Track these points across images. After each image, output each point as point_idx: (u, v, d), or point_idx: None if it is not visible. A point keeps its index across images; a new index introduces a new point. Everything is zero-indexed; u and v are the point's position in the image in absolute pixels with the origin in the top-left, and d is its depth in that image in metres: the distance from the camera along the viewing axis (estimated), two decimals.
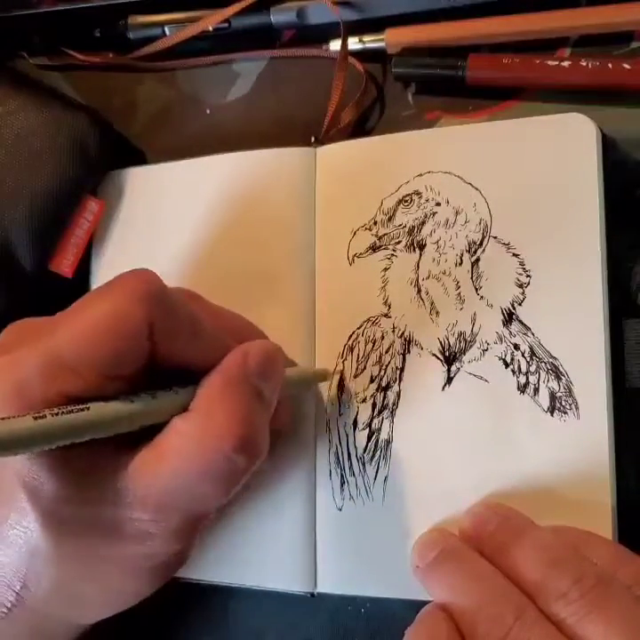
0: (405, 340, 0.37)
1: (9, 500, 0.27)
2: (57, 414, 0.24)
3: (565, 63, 0.38)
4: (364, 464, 0.37)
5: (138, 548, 0.28)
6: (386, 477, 0.37)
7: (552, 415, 0.34)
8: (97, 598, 0.29)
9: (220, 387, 0.29)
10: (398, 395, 0.37)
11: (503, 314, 0.36)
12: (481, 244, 0.37)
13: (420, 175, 0.38)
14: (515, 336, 0.36)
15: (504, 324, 0.36)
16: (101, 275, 0.43)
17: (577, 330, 0.35)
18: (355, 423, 0.37)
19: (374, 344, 0.37)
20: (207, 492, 0.28)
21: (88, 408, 0.26)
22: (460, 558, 0.32)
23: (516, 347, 0.35)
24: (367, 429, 0.37)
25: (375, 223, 0.38)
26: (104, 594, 0.29)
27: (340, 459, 0.37)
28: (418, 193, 0.38)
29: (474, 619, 0.29)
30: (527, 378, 0.35)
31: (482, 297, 0.36)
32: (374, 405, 0.37)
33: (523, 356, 0.35)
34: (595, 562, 0.30)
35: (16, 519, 0.27)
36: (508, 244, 0.36)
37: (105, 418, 0.26)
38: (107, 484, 0.27)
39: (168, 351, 0.28)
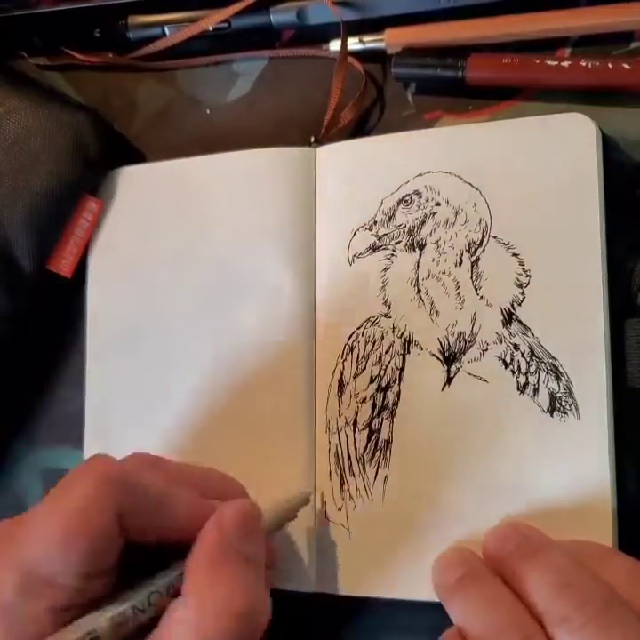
0: (405, 340, 0.37)
1: None
2: None
3: (565, 63, 0.38)
4: (363, 464, 0.37)
5: None
6: (386, 478, 0.37)
7: (552, 416, 0.34)
8: None
9: (207, 564, 0.28)
10: (398, 395, 0.37)
11: (503, 314, 0.36)
12: (481, 243, 0.37)
13: (420, 175, 0.38)
14: (514, 336, 0.35)
15: (504, 325, 0.36)
16: (99, 274, 0.43)
17: (577, 330, 0.34)
18: (354, 423, 0.37)
19: (374, 344, 0.37)
20: None
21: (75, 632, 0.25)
22: (481, 583, 0.31)
23: (516, 347, 0.35)
24: (367, 430, 0.37)
25: (375, 223, 0.38)
26: None
27: (340, 459, 0.37)
28: (418, 193, 0.38)
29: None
30: (527, 378, 0.35)
31: (481, 297, 0.36)
32: (374, 406, 0.37)
33: (522, 356, 0.35)
34: (609, 581, 0.29)
35: None
36: (508, 244, 0.36)
37: (96, 635, 0.26)
38: None
39: (140, 532, 0.28)
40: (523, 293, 0.36)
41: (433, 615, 0.37)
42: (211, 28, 0.43)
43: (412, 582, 0.36)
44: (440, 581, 0.33)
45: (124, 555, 0.28)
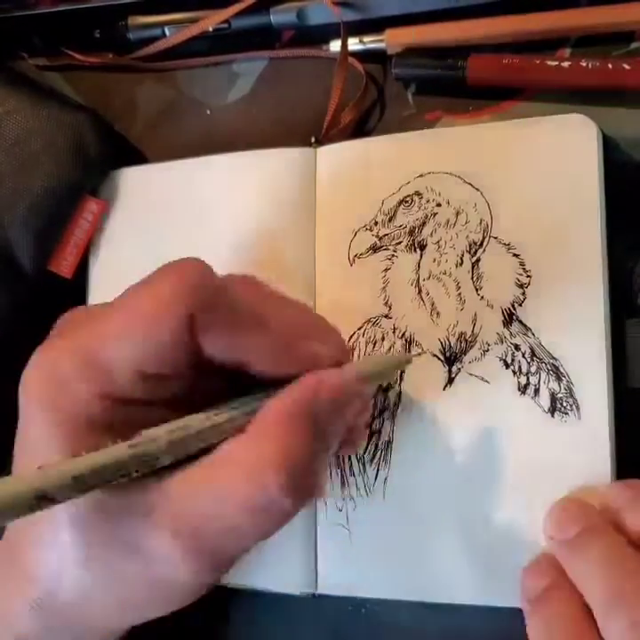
0: (406, 340, 0.37)
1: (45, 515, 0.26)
2: (97, 469, 0.23)
3: (565, 63, 0.38)
4: (364, 465, 0.37)
5: (159, 571, 0.26)
6: (386, 478, 0.37)
7: (553, 416, 0.34)
8: (114, 612, 0.28)
9: (280, 415, 0.26)
10: (399, 395, 0.37)
11: (504, 314, 0.36)
12: (481, 244, 0.37)
13: (421, 176, 0.38)
14: (515, 336, 0.35)
15: (504, 325, 0.36)
16: (100, 275, 0.43)
17: (578, 330, 0.35)
18: None
19: (375, 345, 0.37)
20: (244, 528, 0.25)
21: (134, 445, 0.24)
22: (604, 539, 0.31)
23: (517, 347, 0.35)
24: (368, 430, 0.37)
25: (376, 223, 0.38)
26: (131, 608, 0.28)
27: (341, 459, 0.37)
28: (419, 193, 0.38)
29: (611, 602, 0.29)
30: (528, 378, 0.35)
31: (482, 297, 0.36)
32: (375, 406, 0.37)
33: (523, 356, 0.35)
34: None
35: (49, 526, 0.26)
36: (509, 245, 0.36)
37: (155, 456, 0.24)
38: (139, 498, 0.25)
39: (220, 348, 0.26)
40: (523, 294, 0.36)
41: (433, 616, 0.37)
42: (211, 29, 0.43)
43: (413, 583, 0.36)
44: (555, 534, 0.32)
45: (200, 372, 0.27)
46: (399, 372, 0.36)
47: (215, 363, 0.27)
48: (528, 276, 0.36)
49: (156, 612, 0.28)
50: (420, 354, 0.36)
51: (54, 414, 0.25)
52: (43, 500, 0.22)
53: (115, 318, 0.26)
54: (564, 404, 0.34)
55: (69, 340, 0.26)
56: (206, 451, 0.26)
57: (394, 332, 0.37)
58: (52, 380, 0.26)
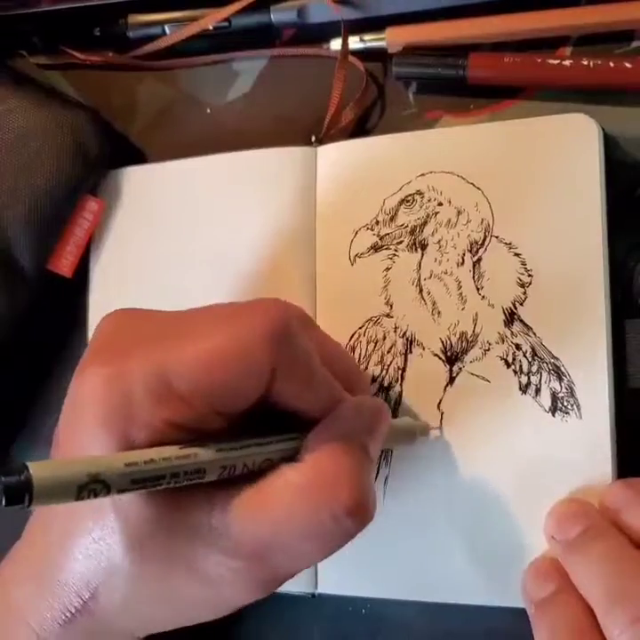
0: (407, 339, 0.37)
1: (96, 515, 0.26)
2: (151, 462, 0.23)
3: (566, 62, 0.38)
4: None
5: (212, 590, 0.26)
6: (386, 478, 0.37)
7: (554, 415, 0.34)
8: (162, 619, 0.29)
9: (334, 443, 0.27)
10: (400, 395, 0.37)
11: (505, 314, 0.36)
12: (483, 243, 0.36)
13: (423, 175, 0.38)
14: (516, 336, 0.35)
15: (506, 324, 0.36)
16: (100, 274, 0.43)
17: (579, 330, 0.34)
18: None
19: (376, 344, 0.37)
20: (306, 551, 0.26)
21: (192, 455, 0.25)
22: (606, 539, 0.31)
23: (518, 347, 0.35)
24: None
25: (377, 223, 0.38)
26: (171, 617, 0.28)
27: None
28: (420, 193, 0.38)
29: (612, 601, 0.29)
30: (529, 378, 0.35)
31: (483, 297, 0.36)
32: None
33: (524, 356, 0.35)
34: None
35: (100, 535, 0.26)
36: (510, 244, 0.36)
37: (202, 467, 0.25)
38: (200, 519, 0.25)
39: (278, 393, 0.27)
40: (525, 293, 0.36)
41: (434, 616, 0.37)
42: (211, 27, 0.43)
43: (413, 583, 0.36)
44: (555, 534, 0.33)
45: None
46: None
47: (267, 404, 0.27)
48: (529, 276, 0.36)
49: (197, 621, 0.29)
50: (438, 430, 0.36)
51: (115, 433, 0.25)
52: (96, 483, 0.22)
53: (197, 346, 0.25)
54: (565, 403, 0.34)
55: (143, 357, 0.25)
56: (250, 474, 0.26)
57: (395, 332, 0.37)
58: (119, 396, 0.25)
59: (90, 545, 0.26)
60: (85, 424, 0.26)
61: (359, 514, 0.26)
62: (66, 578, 0.27)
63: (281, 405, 0.27)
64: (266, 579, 0.27)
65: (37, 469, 0.21)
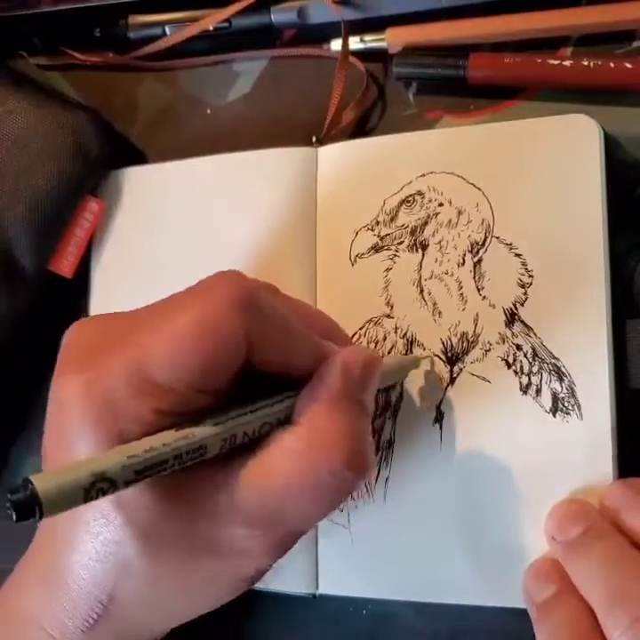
0: (408, 340, 0.37)
1: (100, 519, 0.26)
2: (151, 450, 0.24)
3: (567, 62, 0.38)
4: None
5: (232, 563, 0.27)
6: (387, 478, 0.37)
7: (554, 416, 0.34)
8: (182, 609, 0.29)
9: (325, 400, 0.27)
10: (400, 395, 0.37)
11: (505, 314, 0.36)
12: (483, 244, 0.36)
13: (423, 175, 0.38)
14: (517, 336, 0.35)
15: (506, 325, 0.36)
16: (101, 275, 0.43)
17: (579, 330, 0.34)
18: None
19: (377, 344, 0.37)
20: (312, 510, 0.27)
21: (189, 435, 0.25)
22: (607, 540, 0.31)
23: (519, 347, 0.35)
24: None
25: (377, 223, 0.38)
26: (190, 605, 0.29)
27: None
28: (420, 193, 0.38)
29: (612, 601, 0.29)
30: (529, 379, 0.35)
31: (484, 297, 0.36)
32: (376, 405, 0.37)
33: (525, 356, 0.35)
34: None
35: (109, 537, 0.26)
36: (511, 245, 0.36)
37: (203, 444, 0.25)
38: (204, 498, 0.26)
39: (259, 359, 0.27)
40: (525, 294, 0.36)
41: (434, 616, 0.37)
42: (211, 28, 0.43)
43: (414, 583, 0.36)
44: (556, 534, 0.33)
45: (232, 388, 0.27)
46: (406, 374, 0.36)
47: (250, 370, 0.27)
48: (530, 276, 0.36)
49: (216, 604, 0.29)
50: (428, 357, 0.36)
51: (105, 434, 0.25)
52: (102, 482, 0.22)
53: (168, 333, 0.25)
54: (566, 404, 0.34)
55: (118, 356, 0.26)
56: (249, 444, 0.27)
57: (395, 332, 0.37)
58: (101, 397, 0.25)
59: (100, 548, 0.26)
60: (74, 430, 0.26)
61: (358, 465, 0.26)
62: (81, 584, 0.27)
63: (267, 369, 0.27)
64: (280, 541, 0.27)
65: (40, 481, 0.21)
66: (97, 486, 0.22)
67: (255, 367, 0.27)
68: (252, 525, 0.26)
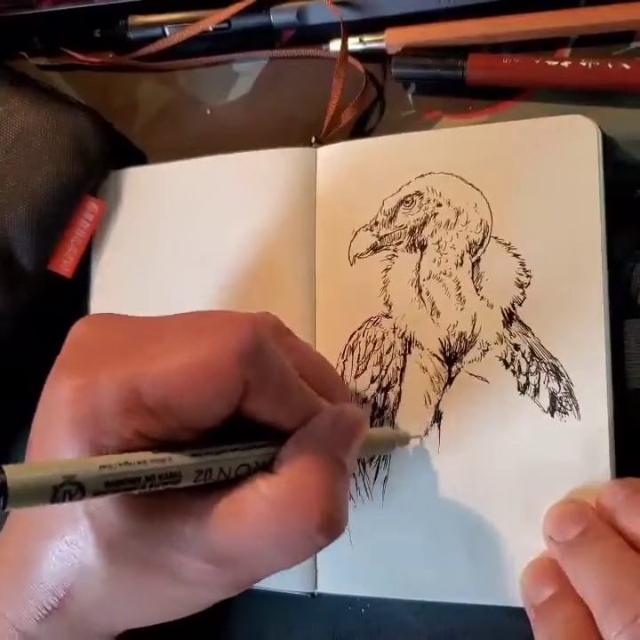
0: (406, 340, 0.37)
1: (69, 520, 0.26)
2: (126, 464, 0.24)
3: (565, 63, 0.38)
4: (363, 464, 0.37)
5: (188, 591, 0.27)
6: (386, 478, 0.37)
7: (552, 416, 0.35)
8: (136, 617, 0.29)
9: (308, 456, 0.27)
10: (399, 395, 0.37)
11: (503, 314, 0.36)
12: (482, 244, 0.37)
13: (422, 176, 0.38)
14: (515, 336, 0.36)
15: (504, 325, 0.36)
16: (101, 275, 0.43)
17: (577, 330, 0.35)
18: None
19: (375, 344, 0.37)
20: (276, 559, 0.27)
21: (166, 459, 0.25)
22: (605, 541, 0.31)
23: (517, 347, 0.35)
24: None
25: (376, 223, 0.38)
26: (144, 616, 0.29)
27: None
28: (419, 193, 0.38)
29: (609, 602, 0.29)
30: (527, 378, 0.35)
31: (482, 297, 0.36)
32: (375, 406, 0.37)
33: (523, 356, 0.35)
34: None
35: (74, 539, 0.26)
36: (509, 245, 0.36)
37: (177, 471, 0.25)
38: (170, 526, 0.26)
39: (252, 408, 0.27)
40: (523, 294, 0.36)
41: (433, 616, 0.37)
42: (211, 29, 0.43)
43: (413, 582, 0.36)
44: (554, 535, 0.33)
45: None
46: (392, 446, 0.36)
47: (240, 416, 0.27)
48: (528, 276, 0.36)
49: (170, 618, 0.29)
50: (418, 439, 0.36)
51: (85, 443, 0.25)
52: (70, 485, 0.22)
53: (167, 364, 0.25)
54: (564, 403, 0.34)
55: (114, 368, 0.26)
56: (226, 483, 0.27)
57: (394, 332, 0.37)
58: (88, 407, 0.25)
59: (63, 547, 0.27)
60: (56, 433, 0.26)
61: (330, 530, 0.26)
62: (41, 576, 0.27)
63: (257, 417, 0.27)
64: (238, 581, 0.28)
65: (13, 471, 0.21)
66: (65, 488, 0.22)
67: (245, 413, 0.27)
68: (212, 562, 0.26)
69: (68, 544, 0.26)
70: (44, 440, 0.27)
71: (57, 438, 0.26)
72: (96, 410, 0.25)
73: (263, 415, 0.27)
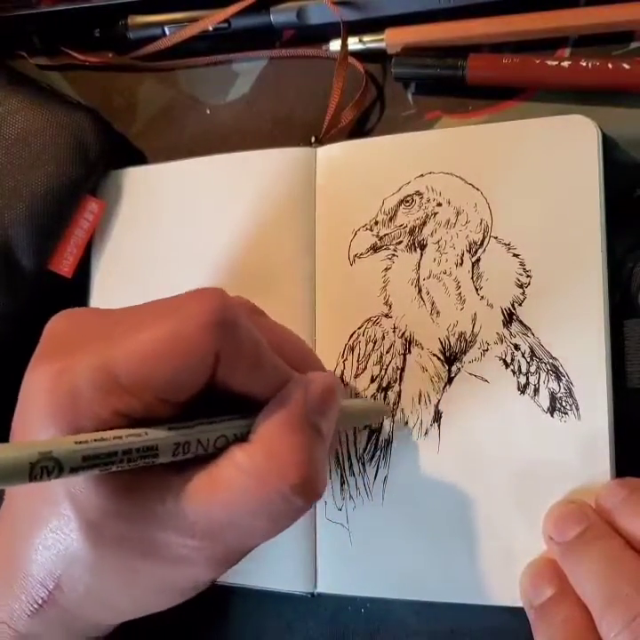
0: (406, 340, 0.37)
1: (52, 505, 0.26)
2: (102, 440, 0.24)
3: (565, 63, 0.38)
4: (363, 464, 0.37)
5: (175, 570, 0.27)
6: (385, 477, 0.37)
7: (552, 416, 0.35)
8: (128, 606, 0.29)
9: (282, 422, 0.27)
10: (399, 395, 0.37)
11: (503, 314, 0.36)
12: (482, 244, 0.37)
13: (422, 176, 0.38)
14: (515, 336, 0.36)
15: (504, 325, 0.36)
16: (101, 275, 0.43)
17: (577, 330, 0.35)
18: None
19: (375, 344, 0.37)
20: (258, 528, 0.27)
21: (142, 434, 0.25)
22: (605, 541, 0.31)
23: (517, 347, 0.35)
24: (367, 429, 0.37)
25: (376, 223, 0.38)
26: (135, 603, 0.29)
27: (340, 459, 0.37)
28: (419, 193, 0.38)
29: (608, 602, 0.29)
30: (527, 378, 0.35)
31: (482, 297, 0.36)
32: None
33: (523, 356, 0.35)
34: None
35: (57, 525, 0.26)
36: (509, 245, 0.36)
37: (155, 444, 0.25)
38: (153, 503, 0.26)
39: (225, 379, 0.27)
40: (523, 293, 0.36)
41: (432, 616, 0.37)
42: (211, 28, 0.43)
43: (413, 582, 0.36)
44: (554, 535, 0.33)
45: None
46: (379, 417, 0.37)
47: (215, 389, 0.27)
48: (528, 276, 0.36)
49: (162, 606, 0.29)
50: (389, 409, 0.37)
51: (64, 427, 0.25)
52: (47, 460, 0.22)
53: (139, 340, 0.26)
54: (564, 403, 0.34)
55: (88, 353, 0.26)
56: (204, 457, 0.27)
57: (394, 332, 0.37)
58: (65, 389, 0.25)
59: (48, 535, 0.27)
60: (35, 417, 0.26)
61: (307, 492, 0.26)
62: (30, 569, 0.27)
63: (231, 389, 0.28)
64: (223, 555, 0.28)
65: None
66: (42, 464, 0.22)
67: (219, 385, 0.27)
68: (195, 536, 0.26)
69: (53, 531, 0.26)
70: (24, 427, 0.27)
71: (36, 423, 0.26)
72: (73, 393, 0.25)
73: (238, 386, 0.27)
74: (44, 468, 0.22)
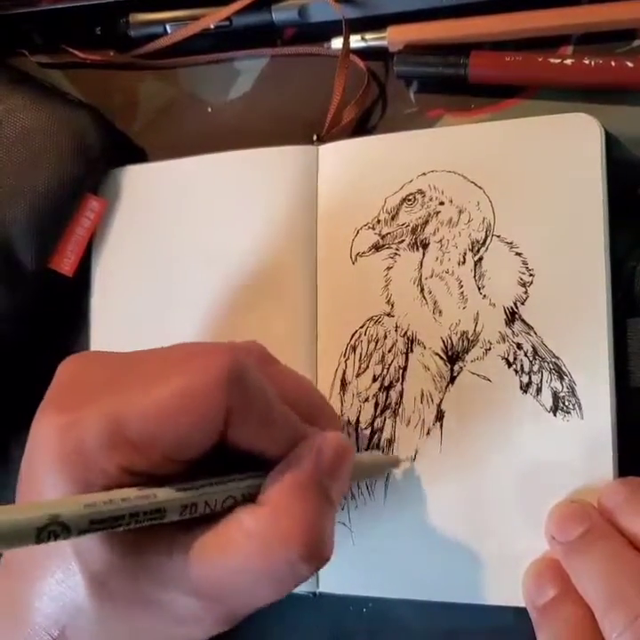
0: (408, 339, 0.37)
1: (58, 558, 0.26)
2: (110, 502, 0.24)
3: (568, 61, 0.38)
4: None
5: (178, 627, 0.27)
6: (388, 477, 0.37)
7: (555, 415, 0.34)
8: None
9: (292, 487, 0.27)
10: (401, 394, 0.37)
11: (506, 313, 0.36)
12: (484, 242, 0.36)
13: (424, 174, 0.38)
14: (517, 335, 0.35)
15: (507, 324, 0.36)
16: (102, 273, 0.43)
17: (580, 329, 0.34)
18: (357, 422, 0.37)
19: (377, 343, 0.37)
20: (263, 592, 0.27)
21: (151, 496, 0.25)
22: (607, 541, 0.31)
23: (519, 346, 0.35)
24: (369, 429, 0.37)
25: (378, 222, 0.38)
26: None
27: None
28: (421, 192, 0.38)
29: (610, 602, 0.29)
30: (530, 377, 0.35)
31: (485, 296, 0.36)
32: (377, 405, 0.37)
33: (525, 355, 0.35)
34: None
35: (63, 577, 0.26)
36: (512, 243, 0.36)
37: (162, 506, 0.25)
38: (159, 562, 0.26)
39: (235, 436, 0.27)
40: (526, 292, 0.36)
41: (435, 615, 0.37)
42: (212, 26, 0.43)
43: (414, 582, 0.36)
44: (557, 535, 0.33)
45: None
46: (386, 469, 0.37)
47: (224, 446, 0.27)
48: (531, 275, 0.36)
49: None
50: (408, 462, 0.36)
51: (70, 479, 0.25)
52: (55, 525, 0.22)
53: (150, 397, 0.26)
54: (566, 403, 0.34)
55: (97, 406, 0.26)
56: (212, 516, 0.27)
57: (396, 331, 0.37)
58: (73, 443, 0.25)
59: (54, 587, 0.27)
60: (42, 470, 0.26)
61: (313, 560, 0.26)
62: (35, 617, 0.27)
63: (240, 446, 0.27)
64: (225, 615, 0.28)
65: None
66: (50, 528, 0.22)
67: (229, 442, 0.27)
68: (200, 596, 0.26)
69: (59, 583, 0.26)
70: (31, 477, 0.27)
71: (43, 476, 0.26)
72: (80, 446, 0.25)
73: (248, 444, 0.27)
74: (52, 531, 0.22)
